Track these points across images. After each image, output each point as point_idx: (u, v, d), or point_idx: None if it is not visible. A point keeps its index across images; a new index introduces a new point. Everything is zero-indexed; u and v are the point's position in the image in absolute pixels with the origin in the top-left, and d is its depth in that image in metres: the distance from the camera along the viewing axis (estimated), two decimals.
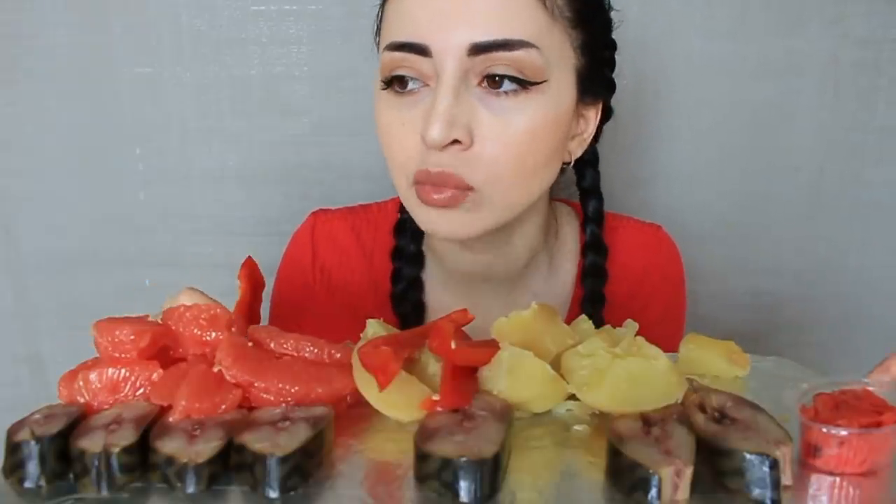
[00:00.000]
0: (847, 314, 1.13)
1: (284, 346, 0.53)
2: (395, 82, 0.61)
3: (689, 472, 0.40)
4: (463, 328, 0.53)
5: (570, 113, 0.63)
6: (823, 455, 0.44)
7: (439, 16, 0.57)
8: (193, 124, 1.02)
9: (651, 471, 0.40)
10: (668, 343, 0.53)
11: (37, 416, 0.47)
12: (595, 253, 0.74)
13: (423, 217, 0.63)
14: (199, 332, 0.53)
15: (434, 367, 0.51)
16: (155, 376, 0.50)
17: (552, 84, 0.59)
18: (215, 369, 0.49)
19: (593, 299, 0.74)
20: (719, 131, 1.04)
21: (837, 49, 1.02)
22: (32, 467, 0.44)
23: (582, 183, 0.74)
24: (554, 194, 0.74)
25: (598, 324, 0.59)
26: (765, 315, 1.12)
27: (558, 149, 0.63)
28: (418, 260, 0.75)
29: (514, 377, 0.49)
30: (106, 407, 0.49)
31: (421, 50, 0.58)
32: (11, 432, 0.45)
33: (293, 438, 0.43)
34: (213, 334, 0.53)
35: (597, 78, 0.65)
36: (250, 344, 0.52)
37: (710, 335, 0.58)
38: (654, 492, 0.40)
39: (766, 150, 1.05)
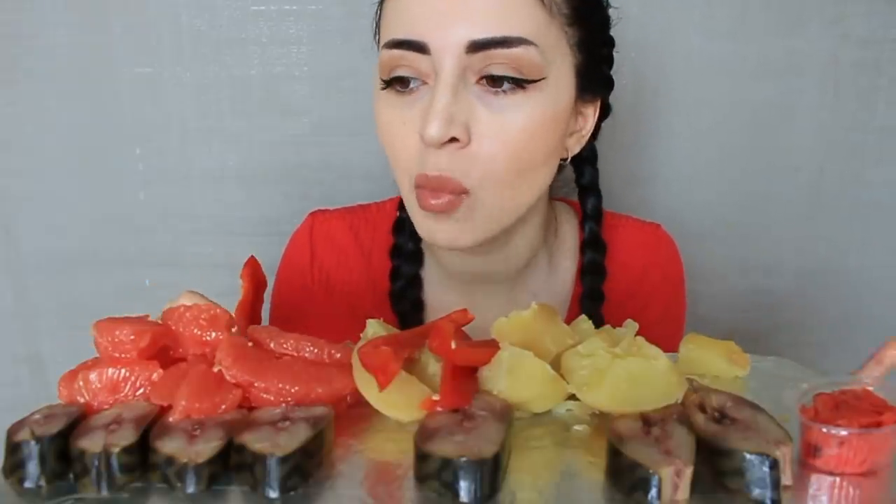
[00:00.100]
0: (847, 314, 1.13)
1: (284, 346, 0.53)
2: (396, 83, 0.61)
3: (689, 472, 0.40)
4: (462, 328, 0.53)
5: (569, 110, 0.63)
6: (823, 455, 0.44)
7: (438, 13, 0.57)
8: (193, 124, 1.02)
9: (651, 471, 0.40)
10: (668, 343, 0.53)
11: (37, 416, 0.47)
12: (594, 250, 0.74)
13: (423, 226, 0.63)
14: (199, 333, 0.53)
15: (434, 367, 0.51)
16: (155, 376, 0.50)
17: (550, 81, 0.59)
18: (215, 369, 0.49)
19: (592, 296, 0.74)
20: (719, 131, 1.04)
21: (837, 49, 1.02)
22: (32, 467, 0.44)
23: (581, 180, 0.74)
24: (553, 193, 0.74)
25: (598, 322, 0.59)
26: (765, 315, 1.12)
27: (556, 146, 0.63)
28: (417, 258, 0.75)
29: (514, 377, 0.49)
30: (106, 407, 0.49)
31: (419, 47, 0.58)
32: (11, 432, 0.45)
33: (293, 438, 0.43)
34: (213, 334, 0.53)
35: (595, 75, 0.65)
36: (250, 344, 0.52)
37: (710, 335, 0.58)
38: (654, 492, 0.40)
39: (766, 150, 1.05)
